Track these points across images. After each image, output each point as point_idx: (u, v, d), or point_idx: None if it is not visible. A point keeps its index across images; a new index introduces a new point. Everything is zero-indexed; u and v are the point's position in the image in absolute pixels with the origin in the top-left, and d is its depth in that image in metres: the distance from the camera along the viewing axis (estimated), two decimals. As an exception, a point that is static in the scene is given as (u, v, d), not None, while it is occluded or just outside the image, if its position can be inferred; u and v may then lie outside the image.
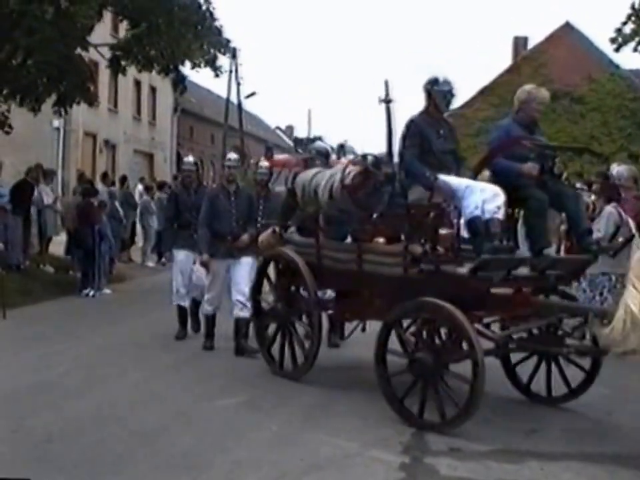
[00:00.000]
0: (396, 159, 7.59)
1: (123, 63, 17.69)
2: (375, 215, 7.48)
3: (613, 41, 22.22)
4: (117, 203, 17.99)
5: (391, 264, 7.10)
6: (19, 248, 14.87)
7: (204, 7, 17.00)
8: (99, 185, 18.68)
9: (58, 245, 17.52)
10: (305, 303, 8.16)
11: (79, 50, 16.90)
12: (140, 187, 22.64)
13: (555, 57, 36.53)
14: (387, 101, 8.03)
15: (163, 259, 20.45)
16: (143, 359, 9.14)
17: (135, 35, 17.11)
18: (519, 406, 7.32)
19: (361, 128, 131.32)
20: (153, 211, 20.12)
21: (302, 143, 18.58)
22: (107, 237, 15.01)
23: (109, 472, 5.47)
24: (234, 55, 33.33)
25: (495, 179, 7.18)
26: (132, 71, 19.02)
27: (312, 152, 9.88)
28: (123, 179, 21.00)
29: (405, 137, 7.41)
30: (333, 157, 17.15)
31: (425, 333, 6.73)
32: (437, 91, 7.41)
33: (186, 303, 10.60)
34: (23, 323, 11.56)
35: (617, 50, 22.69)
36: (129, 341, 10.31)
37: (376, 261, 7.27)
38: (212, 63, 17.85)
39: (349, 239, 8.07)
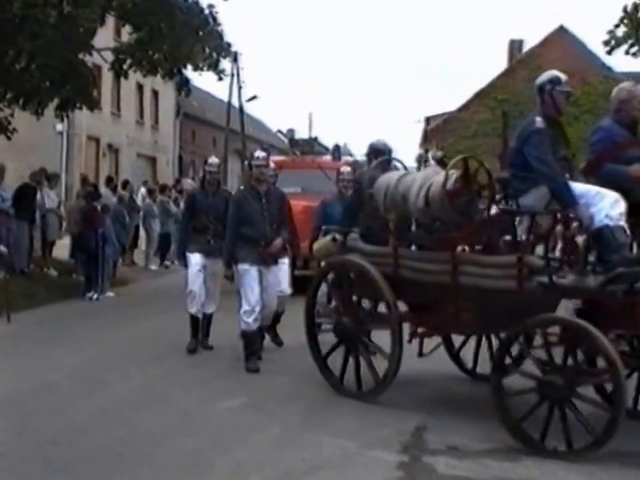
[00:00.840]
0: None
1: (125, 66, 17.76)
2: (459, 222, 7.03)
3: (605, 43, 22.42)
4: (122, 208, 18.06)
5: (498, 276, 6.52)
6: (24, 252, 14.91)
7: (206, 11, 17.08)
8: (103, 189, 18.72)
9: (61, 248, 17.57)
10: (375, 317, 7.78)
11: (81, 54, 16.97)
12: (143, 190, 22.69)
13: (550, 60, 36.76)
14: (504, 114, 7.82)
15: (166, 262, 20.54)
16: (146, 362, 9.18)
17: (137, 39, 17.18)
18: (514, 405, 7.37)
19: (361, 130, 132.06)
20: (156, 214, 20.18)
21: (298, 144, 18.31)
22: (110, 241, 15.06)
23: (113, 473, 5.52)
24: (235, 58, 33.46)
25: (600, 183, 6.69)
26: (134, 74, 19.08)
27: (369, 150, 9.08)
28: (125, 183, 21.06)
29: (529, 140, 6.76)
30: (328, 157, 16.92)
31: (547, 351, 6.23)
32: (559, 92, 6.89)
33: (200, 312, 9.89)
34: (27, 326, 11.61)
35: (610, 53, 22.91)
36: (132, 343, 10.34)
37: (477, 273, 6.68)
38: (214, 67, 17.92)
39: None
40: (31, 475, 5.52)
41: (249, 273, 8.75)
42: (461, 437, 6.31)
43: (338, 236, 8.10)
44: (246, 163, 10.22)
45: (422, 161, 49.80)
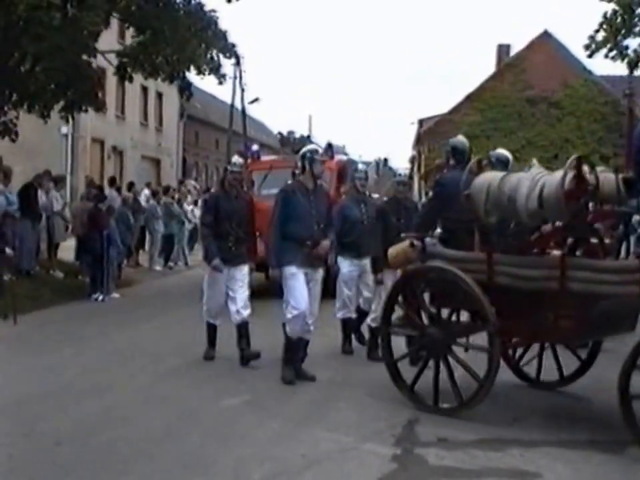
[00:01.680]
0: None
1: (129, 69, 17.86)
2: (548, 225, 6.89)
3: (586, 47, 22.88)
4: (127, 210, 18.17)
5: (617, 282, 6.24)
6: (30, 253, 15.01)
7: (209, 15, 17.15)
8: (108, 191, 18.83)
9: (67, 250, 17.65)
10: (465, 327, 7.43)
11: (86, 57, 17.08)
12: (146, 191, 22.81)
13: (534, 64, 37.49)
14: (630, 110, 7.42)
15: (170, 263, 20.65)
16: (150, 362, 9.26)
17: (141, 42, 17.28)
18: (501, 396, 7.50)
19: (360, 132, 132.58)
20: (159, 215, 20.29)
21: (289, 143, 18.15)
22: (115, 242, 15.18)
23: (119, 473, 5.61)
24: (238, 62, 33.48)
25: None
26: (138, 77, 19.17)
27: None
28: (131, 185, 21.18)
29: None
30: (320, 156, 16.54)
31: None
32: None
33: (217, 321, 9.51)
34: (33, 327, 11.71)
35: (590, 56, 23.39)
36: (137, 344, 10.42)
37: (591, 279, 6.35)
38: (216, 71, 17.99)
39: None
40: (37, 475, 5.60)
41: (297, 276, 8.03)
42: (450, 429, 6.51)
43: (416, 241, 7.48)
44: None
45: (415, 162, 49.96)
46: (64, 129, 29.15)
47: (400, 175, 9.95)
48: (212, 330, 9.57)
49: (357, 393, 7.76)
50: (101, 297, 14.52)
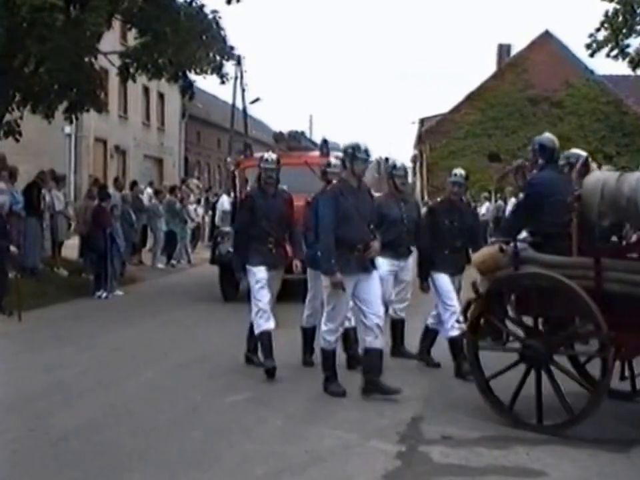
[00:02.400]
0: None
1: (131, 70, 17.92)
2: None
3: (587, 47, 22.91)
4: (128, 207, 18.23)
5: None
6: (34, 251, 15.07)
7: (210, 16, 17.21)
8: (111, 190, 18.89)
9: (71, 248, 17.71)
10: (567, 336, 6.92)
11: (89, 57, 17.14)
12: (149, 190, 22.88)
13: (536, 63, 37.56)
14: None
15: (172, 261, 20.71)
16: (154, 359, 9.32)
17: (143, 43, 17.33)
18: (505, 394, 7.52)
19: (361, 131, 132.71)
20: (161, 214, 20.38)
21: (283, 139, 16.89)
22: (118, 240, 15.23)
23: (123, 468, 5.65)
24: (239, 62, 33.53)
25: None
26: (140, 77, 19.24)
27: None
28: (133, 184, 21.25)
29: None
30: (315, 152, 15.08)
31: None
32: None
33: (271, 326, 8.49)
34: (37, 325, 11.75)
35: (592, 55, 23.47)
36: (140, 341, 10.48)
37: None
38: (218, 71, 18.04)
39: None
40: (43, 470, 5.64)
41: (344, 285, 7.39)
42: (455, 427, 6.50)
43: (506, 246, 6.90)
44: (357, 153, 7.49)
45: (416, 161, 49.97)
46: (67, 129, 29.20)
47: (460, 175, 8.92)
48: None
49: (360, 390, 7.69)
50: (104, 295, 14.56)
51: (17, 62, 16.00)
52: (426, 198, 36.72)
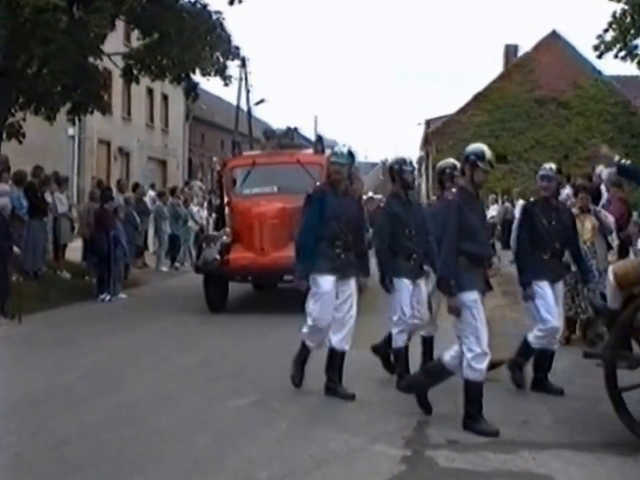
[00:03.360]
0: None
1: (135, 72, 17.90)
2: None
3: (595, 48, 22.88)
4: (132, 210, 18.20)
5: None
6: (37, 253, 15.03)
7: (214, 17, 17.19)
8: (115, 192, 18.86)
9: (74, 251, 17.69)
10: None
11: (92, 59, 17.12)
12: (152, 192, 22.86)
13: (543, 64, 37.58)
14: None
15: (176, 264, 20.68)
16: (158, 362, 9.28)
17: (147, 44, 17.32)
18: (511, 398, 7.50)
19: (367, 133, 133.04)
20: (166, 216, 20.36)
21: (274, 136, 15.75)
22: (121, 243, 15.19)
23: (126, 472, 5.62)
24: (243, 63, 33.52)
25: None
26: (144, 79, 19.22)
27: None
28: (136, 186, 21.23)
29: None
30: (309, 150, 14.50)
31: None
32: None
33: (321, 346, 7.70)
34: (41, 328, 11.74)
35: (600, 57, 23.43)
36: (144, 344, 10.46)
37: None
38: (222, 72, 18.02)
39: None
40: (45, 474, 5.61)
41: (478, 305, 6.53)
42: (460, 431, 6.45)
43: None
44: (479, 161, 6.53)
45: (422, 162, 49.93)
46: (70, 131, 29.24)
47: (549, 168, 8.09)
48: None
49: (366, 393, 7.71)
50: (108, 298, 14.54)
51: (19, 63, 16.02)
52: (432, 198, 36.67)
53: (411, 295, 7.72)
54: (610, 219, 10.13)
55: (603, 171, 11.44)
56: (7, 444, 6.17)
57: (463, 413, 6.52)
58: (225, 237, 13.37)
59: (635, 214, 13.65)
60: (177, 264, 20.76)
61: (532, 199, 8.52)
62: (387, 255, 7.64)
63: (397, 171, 7.76)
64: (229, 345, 10.05)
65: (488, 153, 6.68)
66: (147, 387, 8.16)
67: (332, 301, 7.46)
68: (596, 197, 10.91)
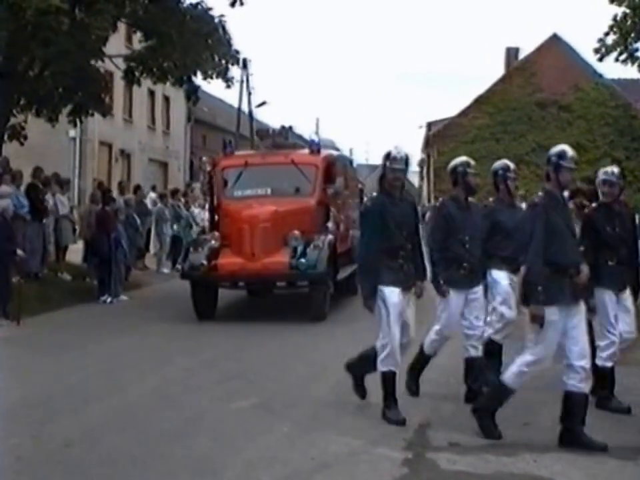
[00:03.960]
0: None
1: (137, 74, 17.91)
2: None
3: (596, 51, 22.90)
4: (132, 212, 18.19)
5: None
6: (38, 256, 15.04)
7: (216, 20, 17.20)
8: (116, 194, 18.87)
9: (75, 253, 17.69)
10: None
11: (93, 61, 17.14)
12: (152, 194, 22.85)
13: (544, 67, 37.65)
14: None
15: (178, 266, 20.65)
16: (159, 364, 9.28)
17: (148, 46, 17.34)
18: (512, 401, 7.47)
19: (368, 135, 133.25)
20: (167, 218, 20.36)
21: (267, 135, 15.18)
22: (122, 245, 15.19)
23: (128, 474, 5.63)
24: (245, 65, 33.52)
25: None
26: (146, 81, 19.24)
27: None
28: (137, 188, 21.23)
29: None
30: (304, 150, 13.97)
31: None
32: None
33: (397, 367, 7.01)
34: (41, 330, 11.74)
35: (601, 60, 23.42)
36: (145, 346, 10.47)
37: None
38: (223, 75, 18.02)
39: None
40: (47, 477, 5.62)
41: (556, 323, 6.12)
42: (462, 433, 6.43)
43: None
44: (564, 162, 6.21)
45: (424, 165, 49.86)
46: (72, 133, 29.24)
47: (611, 173, 7.58)
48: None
49: (367, 396, 7.62)
50: (109, 299, 14.54)
51: (21, 65, 16.06)
52: (432, 202, 36.67)
53: (461, 306, 7.31)
54: None
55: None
56: (8, 447, 6.17)
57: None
58: (213, 241, 12.76)
59: (637, 217, 13.63)
60: (178, 266, 20.71)
61: (593, 205, 7.84)
62: (440, 258, 7.25)
63: (460, 173, 7.41)
64: (230, 347, 10.05)
65: (570, 150, 6.45)
66: (148, 389, 8.16)
67: (402, 312, 6.91)
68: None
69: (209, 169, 14.41)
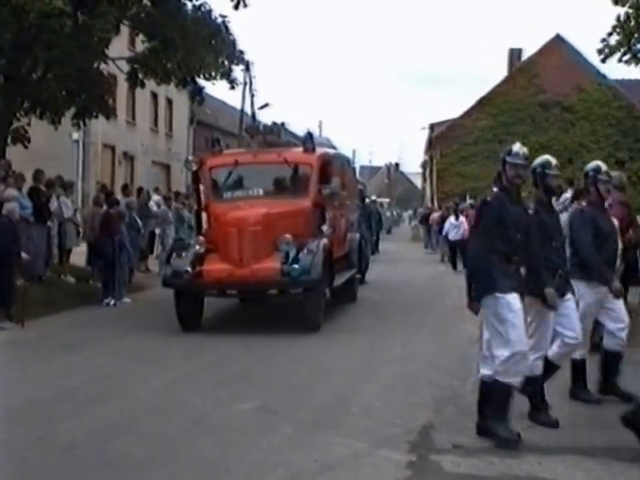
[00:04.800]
0: None
1: (140, 76, 17.94)
2: None
3: (599, 52, 22.92)
4: (134, 214, 18.20)
5: None
6: (42, 258, 15.05)
7: (219, 21, 17.23)
8: (118, 196, 18.89)
9: (78, 255, 17.71)
10: None
11: (96, 63, 17.17)
12: (156, 197, 22.87)
13: (547, 68, 37.68)
14: None
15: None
16: (163, 367, 9.29)
17: (151, 48, 17.37)
18: (516, 403, 7.46)
19: (372, 137, 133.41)
20: (171, 220, 20.36)
21: (259, 132, 14.36)
22: (125, 247, 15.20)
23: (132, 477, 5.64)
24: (247, 67, 33.55)
25: None
26: (149, 83, 19.27)
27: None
28: (140, 190, 21.25)
29: None
30: (299, 148, 13.13)
31: None
32: None
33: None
34: (45, 332, 11.75)
35: (604, 61, 23.43)
36: (149, 349, 10.46)
37: None
38: (227, 76, 18.04)
39: None
40: (51, 479, 5.63)
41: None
42: (466, 436, 6.43)
43: None
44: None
45: (427, 167, 49.92)
46: (75, 135, 29.25)
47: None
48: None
49: (370, 398, 7.72)
50: (112, 302, 14.56)
51: (24, 68, 16.08)
52: (436, 204, 36.69)
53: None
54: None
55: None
56: (13, 449, 6.18)
57: None
58: (198, 246, 11.87)
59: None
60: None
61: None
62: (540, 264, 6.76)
63: (539, 175, 6.99)
64: (233, 350, 10.04)
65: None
66: (152, 391, 8.17)
67: (523, 322, 6.41)
68: None
69: (195, 168, 13.14)
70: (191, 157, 11.97)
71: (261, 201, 12.26)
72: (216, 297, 12.51)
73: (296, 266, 11.27)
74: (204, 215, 12.95)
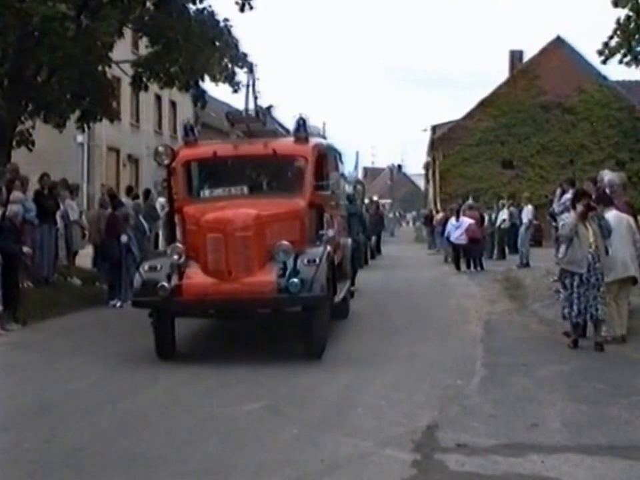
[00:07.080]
0: None
1: (144, 79, 17.99)
2: None
3: (600, 53, 23.00)
4: (140, 216, 18.24)
5: None
6: (49, 260, 15.11)
7: (221, 24, 17.28)
8: (124, 198, 18.93)
9: (84, 257, 17.76)
10: None
11: (100, 66, 17.23)
12: (161, 199, 22.87)
13: (548, 70, 37.84)
14: None
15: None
16: (170, 367, 9.32)
17: (155, 51, 17.42)
18: (519, 401, 7.51)
19: (374, 138, 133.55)
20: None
21: (241, 120, 12.26)
22: (131, 249, 15.25)
23: (140, 477, 5.67)
24: (251, 69, 33.58)
25: None
26: (152, 86, 19.31)
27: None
28: (147, 193, 21.27)
29: None
30: (289, 139, 11.32)
31: None
32: None
33: None
34: (52, 334, 11.78)
35: (604, 62, 23.51)
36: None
37: None
38: (230, 79, 18.08)
39: None
40: (59, 480, 5.67)
41: None
42: (470, 435, 6.47)
43: None
44: None
45: (429, 168, 49.92)
46: (79, 138, 29.35)
47: None
48: None
49: (375, 397, 7.75)
50: (119, 304, 14.58)
51: (28, 71, 16.14)
52: (439, 205, 36.71)
53: None
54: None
55: (606, 175, 11.45)
56: (21, 451, 6.21)
57: None
58: (175, 256, 9.51)
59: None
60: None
61: None
62: None
63: None
64: (240, 349, 10.06)
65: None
66: (160, 392, 8.21)
67: None
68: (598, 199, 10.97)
69: (167, 162, 10.29)
70: (161, 148, 10.10)
71: (247, 201, 10.22)
72: (197, 317, 10.89)
73: (295, 280, 9.13)
74: (178, 218, 10.78)
